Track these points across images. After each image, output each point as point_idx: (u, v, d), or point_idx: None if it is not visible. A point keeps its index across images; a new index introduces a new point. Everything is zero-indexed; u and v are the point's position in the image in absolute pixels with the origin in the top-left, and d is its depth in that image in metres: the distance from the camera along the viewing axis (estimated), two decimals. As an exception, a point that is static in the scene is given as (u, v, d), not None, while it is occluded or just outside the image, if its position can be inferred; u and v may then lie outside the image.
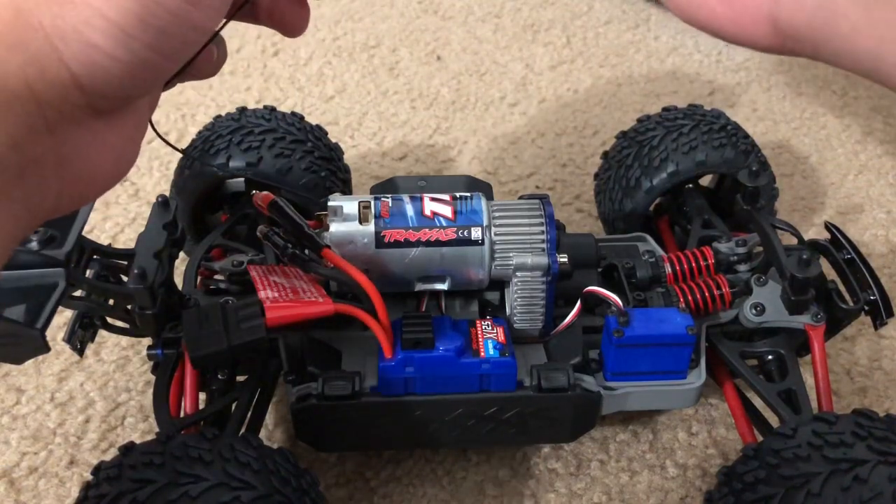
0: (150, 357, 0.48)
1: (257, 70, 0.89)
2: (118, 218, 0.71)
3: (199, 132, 0.60)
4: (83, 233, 0.43)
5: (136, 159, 0.30)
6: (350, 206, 0.45)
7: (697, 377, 0.47)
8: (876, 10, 0.24)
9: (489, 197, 0.49)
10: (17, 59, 0.24)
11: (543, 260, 0.45)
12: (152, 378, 0.48)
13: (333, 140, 0.64)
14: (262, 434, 0.51)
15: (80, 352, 0.48)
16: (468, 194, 0.47)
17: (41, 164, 0.25)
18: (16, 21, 0.24)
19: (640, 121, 0.63)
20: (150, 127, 0.32)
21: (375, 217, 0.45)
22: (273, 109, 0.61)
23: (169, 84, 0.31)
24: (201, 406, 0.47)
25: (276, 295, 0.42)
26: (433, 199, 0.46)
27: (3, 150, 0.24)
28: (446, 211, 0.45)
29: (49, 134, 0.25)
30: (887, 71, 0.25)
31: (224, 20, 0.30)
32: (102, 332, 0.49)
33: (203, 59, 0.30)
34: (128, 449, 0.40)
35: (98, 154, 0.27)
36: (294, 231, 0.43)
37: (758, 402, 0.50)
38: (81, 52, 0.24)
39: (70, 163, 0.26)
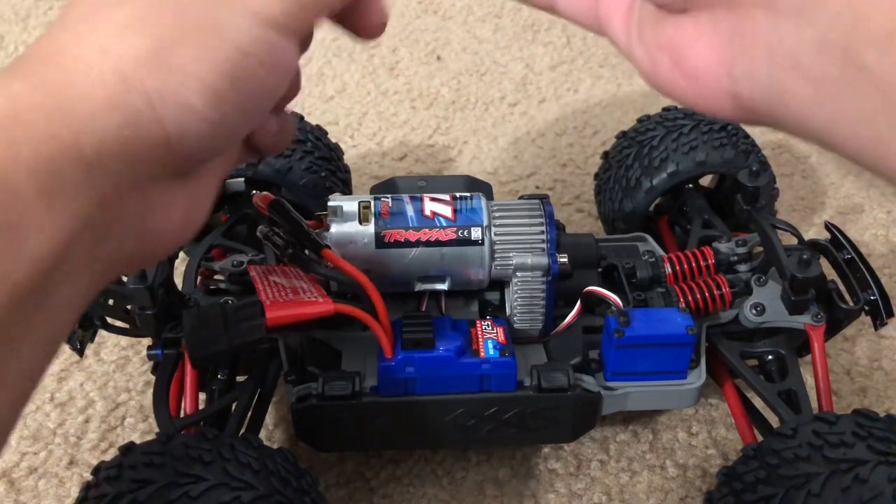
0: (149, 357, 0.48)
1: (257, 70, 0.89)
2: (118, 218, 0.71)
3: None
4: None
5: (204, 222, 0.32)
6: (350, 206, 0.45)
7: (697, 377, 0.47)
8: (824, 88, 0.25)
9: (489, 197, 0.49)
10: (116, 120, 0.25)
11: (543, 260, 0.45)
12: (152, 378, 0.48)
13: (333, 140, 0.64)
14: (262, 434, 0.51)
15: (80, 352, 0.48)
16: (468, 194, 0.47)
17: (124, 223, 0.26)
18: (120, 85, 0.25)
19: (640, 121, 0.63)
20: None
21: (375, 217, 0.45)
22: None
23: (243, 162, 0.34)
24: (201, 406, 0.47)
25: (277, 295, 0.42)
26: (433, 199, 0.46)
27: (93, 209, 0.24)
28: (446, 211, 0.45)
29: (135, 194, 0.26)
30: (841, 145, 0.26)
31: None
32: (102, 332, 0.49)
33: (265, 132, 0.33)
34: (128, 449, 0.40)
35: (171, 214, 0.29)
36: (294, 231, 0.43)
37: (758, 402, 0.50)
38: (178, 112, 0.26)
39: (147, 223, 0.27)
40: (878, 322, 0.49)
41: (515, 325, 0.47)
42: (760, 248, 0.51)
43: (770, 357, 0.50)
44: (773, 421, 0.49)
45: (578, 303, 0.47)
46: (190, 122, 0.26)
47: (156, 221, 0.28)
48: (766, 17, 0.25)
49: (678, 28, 0.29)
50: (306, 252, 0.42)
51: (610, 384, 0.46)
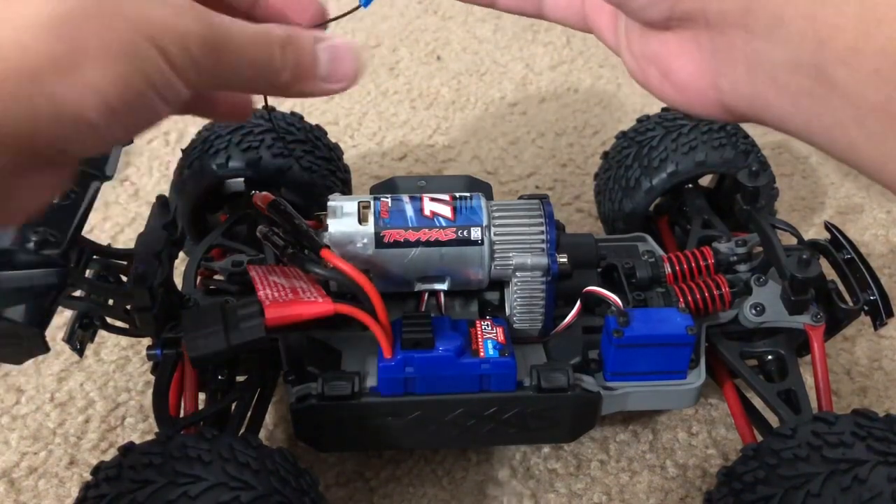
0: (149, 357, 0.48)
1: (257, 70, 0.89)
2: (118, 218, 0.71)
3: (199, 132, 0.60)
4: (83, 233, 0.43)
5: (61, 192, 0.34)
6: (350, 206, 0.45)
7: (697, 377, 0.47)
8: (800, 100, 0.26)
9: (489, 197, 0.49)
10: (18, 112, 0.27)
11: (543, 260, 0.45)
12: (152, 378, 0.48)
13: (333, 140, 0.64)
14: (262, 434, 0.51)
15: (80, 352, 0.48)
16: (468, 194, 0.47)
17: None
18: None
19: (640, 121, 0.63)
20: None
21: (375, 217, 0.45)
22: (273, 109, 0.61)
23: None
24: (201, 406, 0.47)
25: (276, 295, 0.42)
26: (433, 200, 0.46)
27: None
28: (446, 211, 0.45)
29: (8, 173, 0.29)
30: (820, 147, 0.28)
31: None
32: (102, 333, 0.49)
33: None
34: (127, 449, 0.40)
35: (39, 187, 0.31)
36: (293, 231, 0.43)
37: (758, 402, 0.50)
38: (72, 119, 0.28)
39: (10, 199, 0.30)
40: (878, 322, 0.49)
41: (515, 325, 0.47)
42: (760, 248, 0.51)
43: (770, 357, 0.50)
44: (773, 421, 0.49)
45: (578, 303, 0.47)
46: (79, 130, 0.28)
47: (18, 198, 0.30)
48: (741, 36, 0.27)
49: (663, 44, 0.30)
50: (305, 252, 0.42)
51: (610, 384, 0.46)
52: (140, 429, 0.55)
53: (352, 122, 0.82)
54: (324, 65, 0.34)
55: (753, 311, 0.48)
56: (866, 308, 0.49)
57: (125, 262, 0.48)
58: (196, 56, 0.30)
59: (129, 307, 0.46)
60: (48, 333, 0.40)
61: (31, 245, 0.40)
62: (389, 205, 0.45)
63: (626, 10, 0.30)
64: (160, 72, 0.29)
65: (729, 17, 0.27)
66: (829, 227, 0.52)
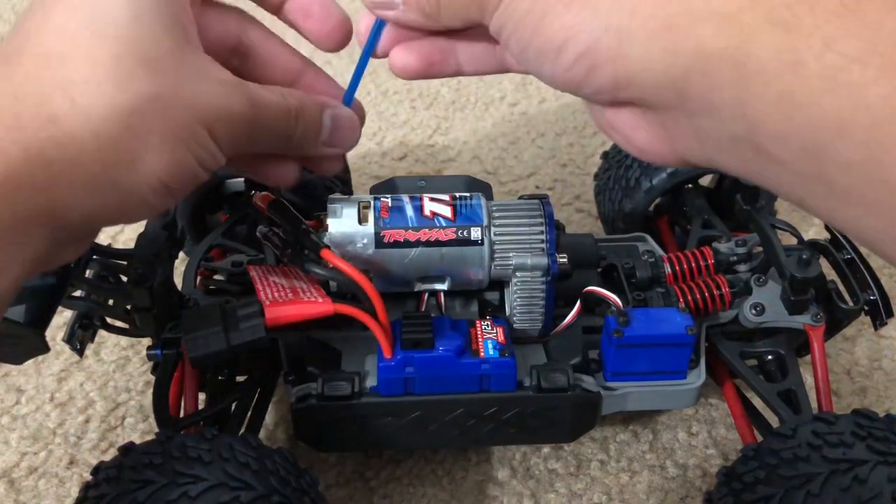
0: (149, 357, 0.48)
1: (257, 70, 0.89)
2: (118, 218, 0.71)
3: (199, 132, 0.60)
4: (83, 233, 0.43)
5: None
6: (349, 206, 0.45)
7: (697, 377, 0.47)
8: (748, 166, 0.28)
9: (489, 197, 0.49)
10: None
11: (543, 260, 0.45)
12: (152, 378, 0.48)
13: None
14: (262, 434, 0.51)
15: (80, 352, 0.48)
16: (468, 194, 0.47)
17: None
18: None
19: (640, 121, 0.63)
20: None
21: (375, 217, 0.45)
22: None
23: None
24: (201, 406, 0.47)
25: (276, 295, 0.42)
26: (433, 200, 0.46)
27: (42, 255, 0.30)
28: (446, 211, 0.45)
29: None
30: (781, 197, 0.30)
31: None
32: (102, 333, 0.49)
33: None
34: (127, 449, 0.40)
35: (66, 254, 0.33)
36: (293, 232, 0.43)
37: (758, 402, 0.50)
38: (137, 202, 0.31)
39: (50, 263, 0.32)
40: (878, 322, 0.49)
41: (515, 326, 0.47)
42: (760, 248, 0.51)
43: (770, 357, 0.50)
44: (773, 421, 0.49)
45: (578, 303, 0.47)
46: (139, 210, 0.32)
47: (57, 261, 0.32)
48: (683, 116, 0.29)
49: (616, 115, 0.32)
50: (305, 252, 0.42)
51: (610, 384, 0.46)
52: (140, 429, 0.55)
53: (352, 122, 0.82)
54: (326, 130, 0.38)
55: (753, 311, 0.48)
56: (866, 308, 0.49)
57: (125, 263, 0.48)
58: (237, 132, 0.33)
59: (129, 307, 0.46)
60: (48, 333, 0.40)
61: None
62: (389, 205, 0.45)
63: (575, 95, 0.31)
64: (208, 149, 0.32)
65: (667, 102, 0.28)
66: (829, 227, 0.52)
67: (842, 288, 0.50)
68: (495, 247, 0.45)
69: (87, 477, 0.40)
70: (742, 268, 0.51)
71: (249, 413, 0.48)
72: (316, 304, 0.41)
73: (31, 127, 0.28)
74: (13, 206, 0.27)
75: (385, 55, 0.38)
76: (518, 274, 0.45)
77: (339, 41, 0.39)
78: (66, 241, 0.31)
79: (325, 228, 0.45)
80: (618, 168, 0.61)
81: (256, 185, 0.57)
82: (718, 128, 0.27)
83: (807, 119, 0.25)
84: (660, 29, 0.26)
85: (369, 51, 0.37)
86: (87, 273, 0.46)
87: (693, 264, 0.51)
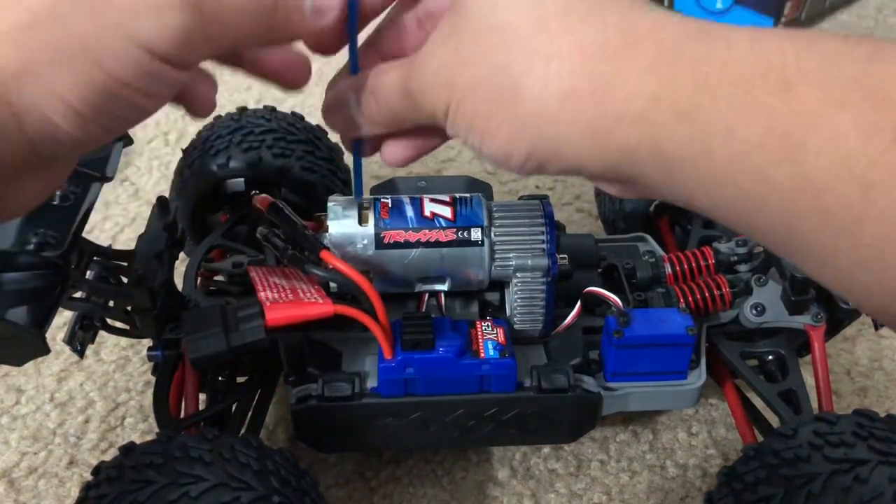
0: (150, 358, 0.48)
1: (257, 70, 0.89)
2: (118, 218, 0.71)
3: (199, 132, 0.60)
4: (83, 234, 0.43)
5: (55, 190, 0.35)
6: (350, 207, 0.45)
7: (698, 377, 0.47)
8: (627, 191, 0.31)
9: (489, 197, 0.49)
10: None
11: (543, 261, 0.45)
12: (152, 378, 0.48)
13: (333, 140, 0.64)
14: (263, 434, 0.51)
15: (80, 353, 0.48)
16: (468, 195, 0.47)
17: None
18: None
19: (640, 121, 0.63)
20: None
21: (375, 218, 0.45)
22: (273, 109, 0.60)
23: None
24: (201, 407, 0.47)
25: (276, 296, 0.42)
26: (433, 200, 0.46)
27: None
28: (446, 212, 0.45)
29: None
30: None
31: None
32: (102, 333, 0.49)
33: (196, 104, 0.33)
34: (128, 449, 0.40)
35: (32, 187, 0.31)
36: (292, 233, 0.43)
37: (758, 402, 0.50)
38: (41, 126, 0.28)
39: (7, 197, 0.30)
40: (878, 322, 0.49)
41: (515, 326, 0.47)
42: (760, 249, 0.51)
43: (770, 357, 0.50)
44: (774, 421, 0.49)
45: (578, 303, 0.47)
46: (51, 135, 0.28)
47: (17, 198, 0.30)
48: (633, 188, 0.31)
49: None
50: (305, 253, 0.42)
51: (610, 385, 0.46)
52: (140, 429, 0.55)
53: (352, 121, 0.82)
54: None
55: (754, 312, 0.48)
56: (867, 308, 0.49)
57: (126, 263, 0.48)
58: (181, 36, 0.27)
59: (129, 308, 0.46)
60: (48, 334, 0.40)
61: (31, 247, 0.40)
62: (389, 206, 0.45)
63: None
64: (136, 65, 0.27)
65: (614, 180, 0.31)
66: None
67: (842, 288, 0.50)
68: (495, 247, 0.45)
69: (88, 477, 0.40)
70: (742, 268, 0.51)
71: (250, 414, 0.48)
72: (316, 305, 0.41)
73: None
74: None
75: (375, 152, 0.40)
76: (518, 274, 0.45)
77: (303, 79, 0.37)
78: None
79: (326, 229, 0.45)
80: (618, 168, 0.61)
81: (257, 185, 0.57)
82: (663, 195, 0.30)
83: (730, 196, 0.27)
84: (584, 132, 0.28)
85: (354, 24, 0.36)
86: (88, 274, 0.46)
87: (693, 264, 0.51)
